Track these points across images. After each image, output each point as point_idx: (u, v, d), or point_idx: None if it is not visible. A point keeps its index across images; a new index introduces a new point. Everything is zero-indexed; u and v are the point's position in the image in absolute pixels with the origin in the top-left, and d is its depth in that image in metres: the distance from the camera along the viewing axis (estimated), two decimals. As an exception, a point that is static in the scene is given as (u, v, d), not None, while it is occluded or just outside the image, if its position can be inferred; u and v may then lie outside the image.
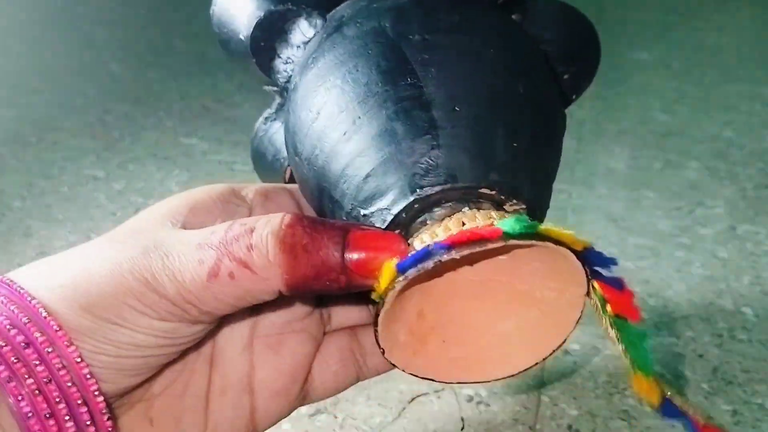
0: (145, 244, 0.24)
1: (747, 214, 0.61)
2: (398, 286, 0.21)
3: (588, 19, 0.35)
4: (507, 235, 0.21)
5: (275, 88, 0.32)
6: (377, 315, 0.22)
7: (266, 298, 0.23)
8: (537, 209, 0.24)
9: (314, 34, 0.30)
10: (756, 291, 0.51)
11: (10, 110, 0.80)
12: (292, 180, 0.31)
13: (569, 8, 0.34)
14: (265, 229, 0.23)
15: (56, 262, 0.24)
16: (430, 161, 0.23)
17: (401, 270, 0.21)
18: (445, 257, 0.21)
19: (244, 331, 0.28)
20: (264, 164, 0.34)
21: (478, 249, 0.21)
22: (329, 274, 0.22)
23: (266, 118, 0.34)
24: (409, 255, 0.22)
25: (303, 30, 0.30)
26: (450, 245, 0.21)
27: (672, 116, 0.81)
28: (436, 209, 0.23)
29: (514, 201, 0.23)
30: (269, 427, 0.28)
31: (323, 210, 0.27)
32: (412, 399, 0.41)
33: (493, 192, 0.23)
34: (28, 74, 0.92)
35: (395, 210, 0.23)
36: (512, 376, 0.25)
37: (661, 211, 0.61)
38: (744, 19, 1.21)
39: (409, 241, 0.23)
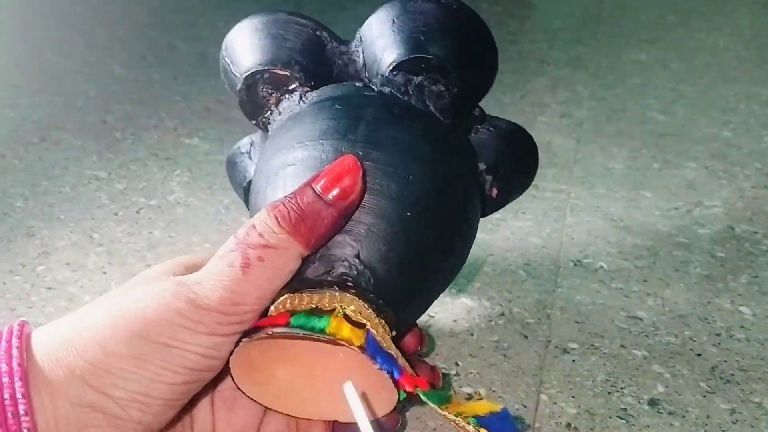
0: (171, 281, 0.27)
1: (745, 213, 0.61)
2: (237, 348, 0.27)
3: (533, 142, 0.41)
4: (290, 325, 0.27)
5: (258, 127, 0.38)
6: (230, 355, 0.28)
7: (294, 266, 0.28)
8: (402, 311, 0.30)
9: (298, 101, 0.35)
10: (754, 290, 0.51)
11: (12, 111, 0.81)
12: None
13: (515, 129, 0.40)
14: (260, 219, 0.28)
15: (93, 311, 0.27)
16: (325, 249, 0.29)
17: (243, 336, 0.27)
18: (255, 336, 0.27)
19: (209, 388, 0.32)
20: (232, 180, 0.42)
21: (266, 333, 0.27)
22: (322, 216, 0.28)
23: (242, 153, 0.41)
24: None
25: (291, 97, 0.36)
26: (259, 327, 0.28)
27: (670, 117, 0.82)
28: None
29: (374, 304, 0.29)
30: None
31: None
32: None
33: (355, 290, 0.29)
34: (30, 75, 0.93)
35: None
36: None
37: (659, 210, 0.62)
38: (742, 20, 1.21)
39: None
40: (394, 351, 0.28)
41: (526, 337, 0.46)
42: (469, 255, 0.35)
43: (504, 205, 0.40)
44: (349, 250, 0.29)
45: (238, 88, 0.36)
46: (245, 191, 0.40)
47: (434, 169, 0.32)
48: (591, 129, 0.78)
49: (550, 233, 0.57)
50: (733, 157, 0.72)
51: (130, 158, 0.70)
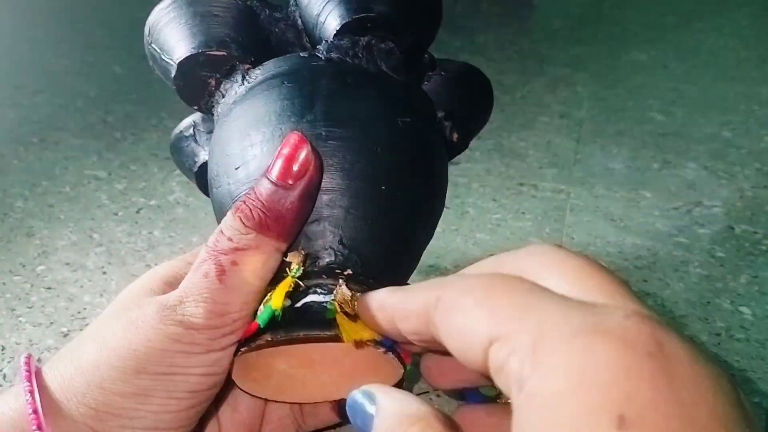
0: (153, 305, 0.26)
1: (745, 213, 0.61)
2: (237, 359, 0.27)
3: (485, 79, 0.39)
4: (260, 329, 0.26)
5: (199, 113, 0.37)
6: (234, 355, 0.27)
7: (274, 262, 0.27)
8: (390, 283, 0.28)
9: (241, 81, 0.33)
10: (754, 290, 0.51)
11: (12, 111, 0.81)
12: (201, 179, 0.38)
13: (467, 71, 0.38)
14: (227, 224, 0.27)
15: (82, 351, 0.26)
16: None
17: (240, 347, 0.27)
18: (254, 345, 0.27)
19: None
20: (181, 166, 0.42)
21: (265, 341, 0.27)
22: (284, 204, 0.27)
23: (186, 137, 0.40)
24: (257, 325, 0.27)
25: (233, 78, 0.34)
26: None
27: (670, 117, 0.82)
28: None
29: (364, 285, 0.28)
30: None
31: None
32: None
33: (343, 276, 0.28)
34: (30, 75, 0.93)
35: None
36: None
37: (659, 211, 0.62)
38: (742, 19, 1.21)
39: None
40: None
41: (525, 337, 0.46)
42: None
43: (466, 148, 0.38)
44: (330, 237, 0.28)
45: (172, 75, 0.35)
46: (198, 176, 0.39)
47: (400, 134, 0.31)
48: (591, 129, 0.77)
49: (550, 233, 0.57)
50: (733, 157, 0.72)
51: (130, 158, 0.70)
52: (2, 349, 0.44)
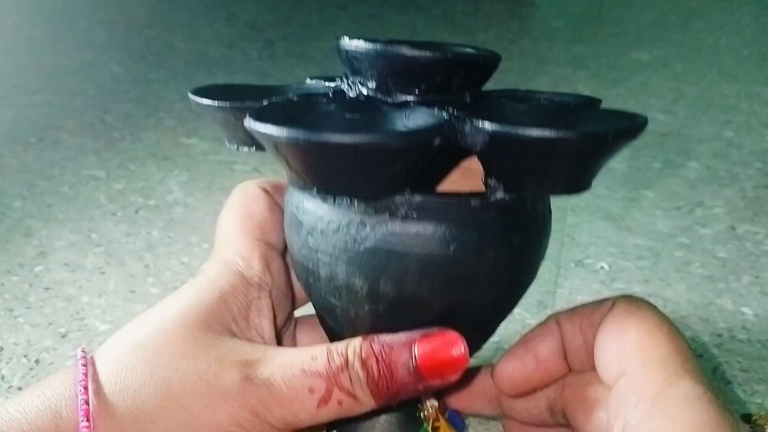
0: (240, 371, 0.25)
1: (746, 214, 0.61)
2: None
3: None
4: None
5: None
6: None
7: (359, 413, 0.27)
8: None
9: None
10: (755, 291, 0.51)
11: (10, 110, 0.80)
12: None
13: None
14: (355, 362, 0.26)
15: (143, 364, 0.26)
16: None
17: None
18: None
19: None
20: None
21: None
22: (409, 390, 0.26)
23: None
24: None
25: None
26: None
27: (671, 116, 0.81)
28: None
29: None
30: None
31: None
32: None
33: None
34: (28, 74, 0.92)
35: None
36: None
37: (660, 211, 0.61)
38: (743, 19, 1.21)
39: None
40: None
41: (526, 338, 0.46)
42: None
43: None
44: None
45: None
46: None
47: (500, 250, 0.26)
48: (592, 128, 0.77)
49: (551, 233, 0.57)
50: (734, 156, 0.72)
51: (129, 158, 0.70)
52: (0, 350, 0.44)
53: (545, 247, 0.30)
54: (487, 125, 0.23)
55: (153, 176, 0.66)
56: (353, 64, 0.26)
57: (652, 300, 0.49)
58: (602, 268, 0.53)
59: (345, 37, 0.25)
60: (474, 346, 0.29)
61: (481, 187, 0.25)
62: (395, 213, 0.25)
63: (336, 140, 0.21)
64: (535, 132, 0.22)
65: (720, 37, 1.09)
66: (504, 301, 0.29)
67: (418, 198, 0.24)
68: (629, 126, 0.24)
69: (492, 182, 0.25)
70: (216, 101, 0.27)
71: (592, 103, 0.30)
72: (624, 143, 0.24)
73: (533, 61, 0.99)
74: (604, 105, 0.30)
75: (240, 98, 0.27)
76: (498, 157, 0.24)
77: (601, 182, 0.66)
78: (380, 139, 0.21)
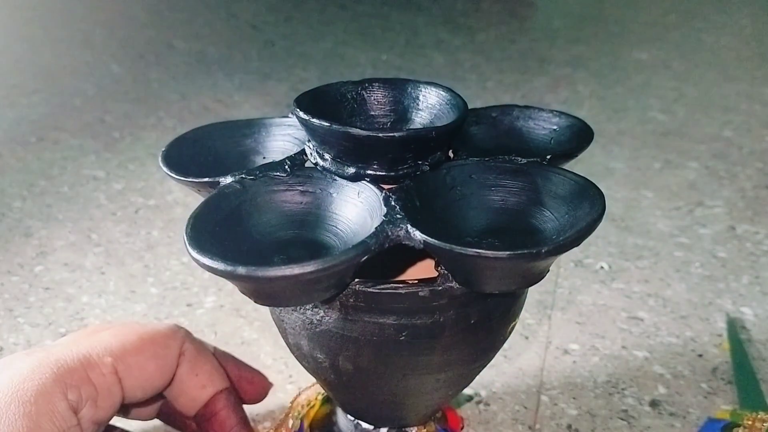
0: None
1: (746, 214, 0.61)
2: None
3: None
4: None
5: None
6: None
7: None
8: None
9: None
10: (755, 291, 0.51)
11: (10, 110, 0.80)
12: None
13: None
14: None
15: None
16: None
17: None
18: None
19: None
20: None
21: None
22: None
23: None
24: None
25: None
26: None
27: (671, 116, 0.81)
28: None
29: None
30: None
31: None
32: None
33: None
34: (28, 74, 0.92)
35: None
36: None
37: (660, 211, 0.61)
38: (743, 19, 1.21)
39: None
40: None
41: (526, 338, 0.46)
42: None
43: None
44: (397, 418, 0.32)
45: None
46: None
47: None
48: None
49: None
50: (734, 156, 0.72)
51: (129, 158, 0.70)
52: (0, 350, 0.44)
53: (520, 307, 0.29)
54: (418, 236, 0.22)
55: (153, 176, 0.66)
56: (311, 134, 0.26)
57: (651, 300, 0.49)
58: (602, 268, 0.53)
59: (298, 109, 0.25)
60: (446, 401, 0.32)
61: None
62: (345, 302, 0.25)
63: (259, 274, 0.20)
64: (463, 250, 0.21)
65: (720, 37, 1.09)
66: (468, 365, 0.28)
67: (365, 289, 0.24)
68: (571, 238, 0.23)
69: (442, 270, 0.24)
70: (177, 174, 0.28)
71: (579, 146, 0.30)
72: (566, 251, 0.23)
73: (533, 61, 0.99)
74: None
75: (211, 163, 0.29)
76: (438, 259, 0.24)
77: (601, 182, 0.65)
78: (302, 269, 0.20)
